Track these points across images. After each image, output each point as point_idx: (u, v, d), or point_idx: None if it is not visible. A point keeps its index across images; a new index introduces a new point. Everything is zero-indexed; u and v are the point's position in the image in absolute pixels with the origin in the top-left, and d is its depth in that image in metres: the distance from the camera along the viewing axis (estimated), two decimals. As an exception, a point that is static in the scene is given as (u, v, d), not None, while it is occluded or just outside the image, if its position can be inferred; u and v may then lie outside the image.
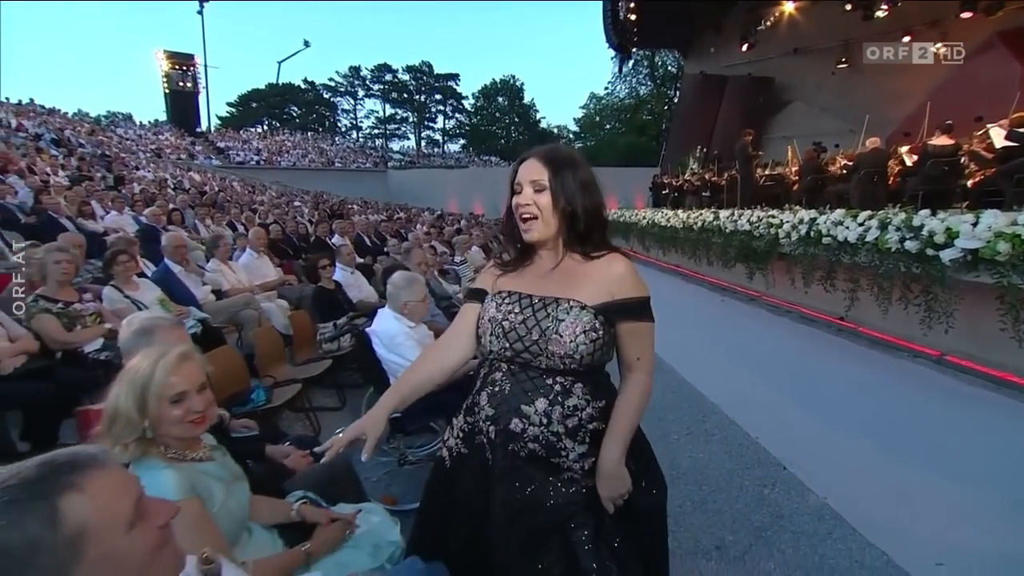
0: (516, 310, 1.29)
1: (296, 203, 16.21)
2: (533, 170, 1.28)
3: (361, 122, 53.96)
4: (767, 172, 10.73)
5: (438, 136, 55.60)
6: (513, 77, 55.39)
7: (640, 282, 1.29)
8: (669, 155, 19.38)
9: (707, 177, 12.91)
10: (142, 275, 4.12)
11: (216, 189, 15.63)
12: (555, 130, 56.47)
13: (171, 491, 1.24)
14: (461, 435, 1.38)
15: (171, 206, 8.51)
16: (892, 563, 2.18)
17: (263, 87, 49.03)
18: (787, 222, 6.76)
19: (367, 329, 2.89)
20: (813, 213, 6.42)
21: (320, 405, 4.02)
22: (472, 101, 55.34)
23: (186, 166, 22.08)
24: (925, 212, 4.86)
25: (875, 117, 9.90)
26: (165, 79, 31.51)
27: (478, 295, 1.40)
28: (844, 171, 8.43)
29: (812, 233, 6.14)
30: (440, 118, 55.64)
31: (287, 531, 1.58)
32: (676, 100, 20.14)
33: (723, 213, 8.99)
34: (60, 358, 2.99)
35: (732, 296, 8.27)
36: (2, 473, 0.66)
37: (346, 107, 53.59)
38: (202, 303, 4.28)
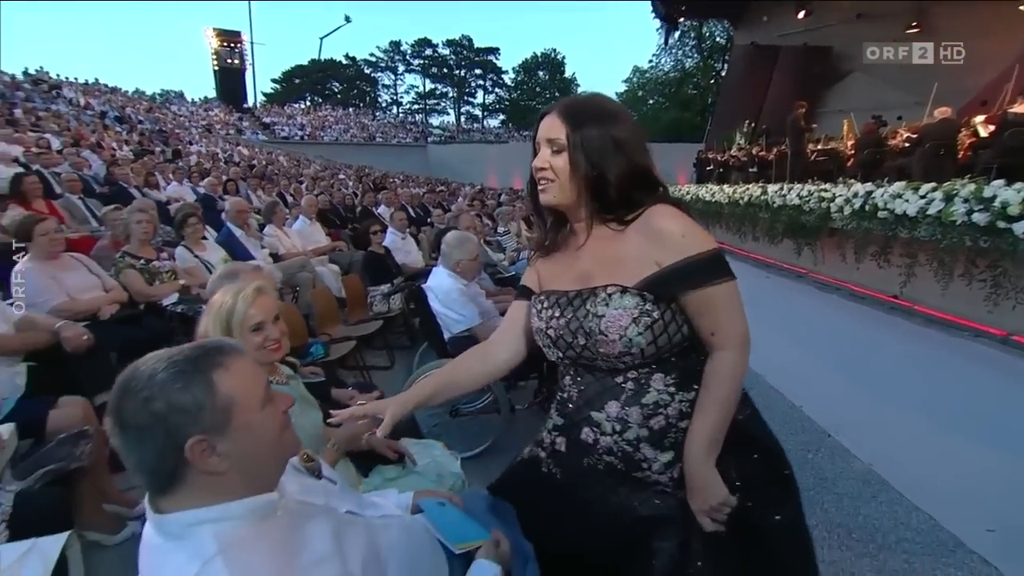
0: (556, 314, 1.09)
1: (340, 176, 16.59)
2: (551, 127, 1.05)
3: (401, 97, 54.25)
4: (819, 147, 10.27)
5: (478, 111, 55.32)
6: (554, 51, 54.28)
7: (697, 235, 1.01)
8: (715, 130, 18.74)
9: (755, 152, 12.45)
10: (205, 239, 4.39)
11: (264, 163, 16.15)
12: (596, 105, 55.23)
13: None
14: (548, 441, 1.25)
15: (225, 177, 8.90)
16: (939, 526, 2.18)
17: (306, 63, 49.75)
18: (840, 196, 6.51)
19: (423, 285, 3.02)
20: (869, 186, 6.16)
21: (372, 364, 4.23)
22: (512, 76, 54.69)
23: (235, 141, 22.87)
24: (999, 182, 4.59)
25: (947, 86, 9.26)
26: (214, 56, 32.38)
27: (525, 292, 1.24)
28: (907, 144, 7.99)
29: (867, 207, 5.90)
30: (480, 93, 55.32)
31: (356, 459, 1.74)
32: (724, 73, 19.33)
33: (771, 187, 8.70)
34: (143, 309, 3.26)
35: (778, 273, 8.07)
36: (171, 352, 0.79)
37: (387, 82, 53.91)
38: (262, 265, 4.52)
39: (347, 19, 42.78)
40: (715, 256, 1.00)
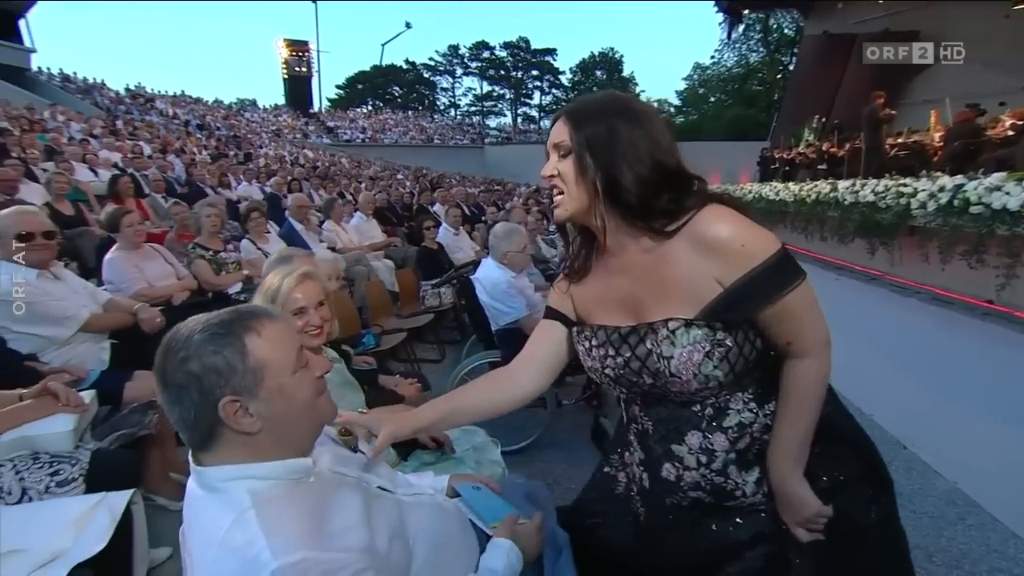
0: (611, 353, 0.98)
1: (398, 176, 17.09)
2: (557, 131, 0.95)
3: (459, 100, 55.24)
4: (899, 140, 9.49)
5: (534, 112, 55.39)
6: (612, 50, 53.63)
7: (757, 237, 0.87)
8: (781, 126, 17.78)
9: (825, 148, 11.69)
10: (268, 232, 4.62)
11: (327, 164, 16.89)
12: (655, 104, 54.05)
13: None
14: (622, 467, 1.19)
15: (290, 178, 9.36)
16: (1041, 556, 1.93)
17: (368, 69, 51.75)
18: (923, 190, 5.98)
19: (471, 276, 3.03)
20: (959, 179, 5.61)
21: (422, 357, 4.31)
22: (569, 76, 54.39)
23: (301, 144, 24.10)
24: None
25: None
26: (284, 65, 34.28)
27: (554, 315, 1.13)
28: (1011, 133, 7.21)
29: (956, 202, 5.38)
30: (537, 94, 55.41)
31: (396, 443, 1.74)
32: (792, 66, 18.31)
33: (842, 184, 8.14)
34: (211, 297, 3.47)
35: (848, 275, 7.53)
36: (210, 316, 0.82)
37: (445, 85, 55.07)
38: (319, 259, 4.71)
39: (408, 25, 44.02)
40: (782, 258, 0.86)
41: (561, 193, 0.95)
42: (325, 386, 0.93)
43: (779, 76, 37.20)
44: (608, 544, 1.16)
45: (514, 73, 54.79)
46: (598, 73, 53.57)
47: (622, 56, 53.69)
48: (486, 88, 55.03)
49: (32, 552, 1.03)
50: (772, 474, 0.94)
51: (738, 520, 0.98)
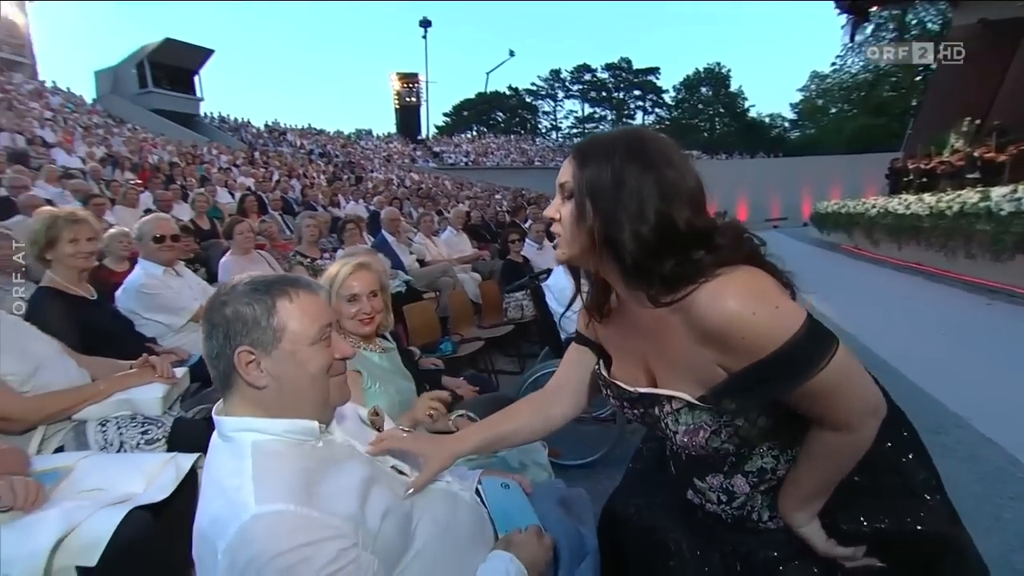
0: (627, 405, 0.97)
1: (497, 196, 17.70)
2: (564, 169, 0.87)
3: (560, 122, 56.15)
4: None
5: (640, 134, 54.97)
6: (718, 65, 51.64)
7: (763, 326, 0.75)
8: (918, 133, 15.83)
9: (978, 154, 10.16)
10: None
11: (430, 186, 17.95)
12: (766, 119, 50.75)
13: None
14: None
15: (393, 197, 10.08)
16: None
17: (473, 96, 54.50)
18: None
19: (543, 283, 3.03)
20: None
21: (501, 368, 4.35)
22: (673, 94, 53.15)
23: (408, 168, 25.85)
24: None
25: None
26: (396, 96, 37.23)
27: (582, 340, 1.09)
28: None
29: None
30: (639, 114, 54.74)
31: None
32: (936, 65, 16.20)
33: (996, 192, 6.99)
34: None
35: (1005, 299, 6.40)
36: (260, 275, 0.92)
37: (546, 109, 56.34)
38: (408, 269, 4.98)
39: (511, 53, 45.64)
40: (798, 343, 0.74)
41: (559, 235, 0.89)
42: (342, 370, 0.96)
43: (918, 79, 33.25)
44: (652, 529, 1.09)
45: (616, 94, 54.65)
46: (703, 90, 51.75)
47: (729, 71, 51.43)
48: (587, 110, 55.48)
49: (109, 492, 1.18)
50: (779, 507, 0.91)
51: (774, 537, 0.94)
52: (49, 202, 5.34)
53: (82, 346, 1.87)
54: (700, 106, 52.05)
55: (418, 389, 1.90)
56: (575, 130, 55.03)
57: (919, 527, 0.86)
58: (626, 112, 54.62)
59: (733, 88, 51.19)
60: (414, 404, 1.72)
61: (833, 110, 42.14)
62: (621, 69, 53.89)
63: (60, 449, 1.48)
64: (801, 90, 45.34)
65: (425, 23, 39.61)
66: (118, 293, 2.54)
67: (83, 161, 10.30)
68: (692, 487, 0.99)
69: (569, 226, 0.86)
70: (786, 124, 48.41)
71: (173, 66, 24.25)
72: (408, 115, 37.49)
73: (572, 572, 1.04)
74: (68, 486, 1.20)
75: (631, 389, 0.94)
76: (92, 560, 1.01)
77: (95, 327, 2.01)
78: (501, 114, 54.94)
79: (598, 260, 0.84)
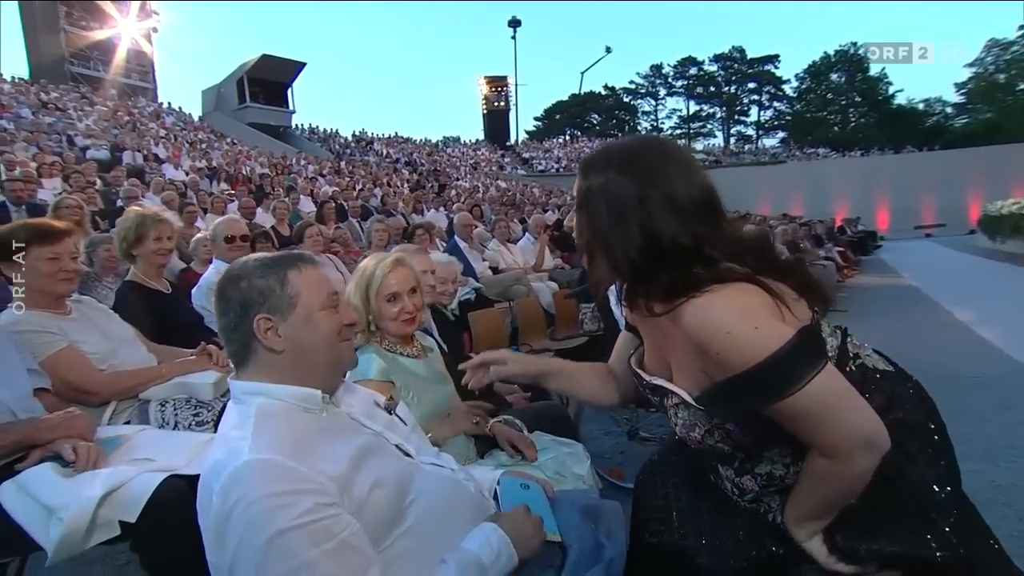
0: (648, 392, 1.08)
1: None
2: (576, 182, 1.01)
3: (662, 123, 54.93)
4: None
5: (751, 131, 52.17)
6: (852, 45, 46.83)
7: (740, 342, 0.83)
8: None
9: None
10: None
11: (516, 194, 18.38)
12: (919, 105, 45.40)
13: (370, 371, 1.64)
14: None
15: (474, 204, 10.48)
16: None
17: (566, 98, 55.10)
18: None
19: (609, 290, 3.02)
20: None
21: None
22: (795, 84, 49.89)
23: (495, 175, 26.62)
24: None
25: None
26: (484, 101, 38.67)
27: (631, 328, 1.19)
28: None
29: None
30: (754, 109, 52.22)
31: (481, 442, 1.84)
32: None
33: None
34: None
35: None
36: (267, 253, 1.08)
37: (646, 109, 55.48)
38: (480, 276, 5.17)
39: (608, 50, 45.52)
40: (779, 360, 0.81)
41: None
42: (350, 336, 1.11)
43: None
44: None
45: (726, 88, 52.57)
46: (834, 77, 47.87)
47: (867, 51, 47.01)
48: (693, 108, 53.88)
49: (157, 462, 1.38)
50: (784, 517, 0.96)
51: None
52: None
53: (155, 335, 2.19)
54: (829, 95, 48.18)
55: (459, 390, 1.98)
56: (679, 130, 53.52)
57: (938, 554, 0.87)
58: (738, 108, 52.30)
59: (873, 72, 46.48)
60: (454, 410, 1.79)
61: (1022, 87, 35.81)
62: (733, 60, 51.80)
63: (127, 423, 1.74)
64: (972, 65, 38.29)
65: (514, 23, 40.95)
66: (193, 290, 2.92)
67: (186, 174, 11.83)
68: (713, 471, 1.07)
69: (580, 238, 0.99)
70: (948, 110, 42.93)
71: (268, 81, 27.25)
72: (496, 120, 38.72)
73: (578, 571, 1.06)
74: (124, 453, 1.42)
75: (647, 379, 1.04)
76: (133, 516, 1.20)
77: (168, 318, 2.34)
78: (596, 116, 54.98)
79: (603, 268, 0.97)
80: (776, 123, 50.97)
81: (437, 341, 2.29)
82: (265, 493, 0.82)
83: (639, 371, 1.07)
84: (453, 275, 2.69)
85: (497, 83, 38.70)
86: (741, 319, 0.83)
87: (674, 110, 54.83)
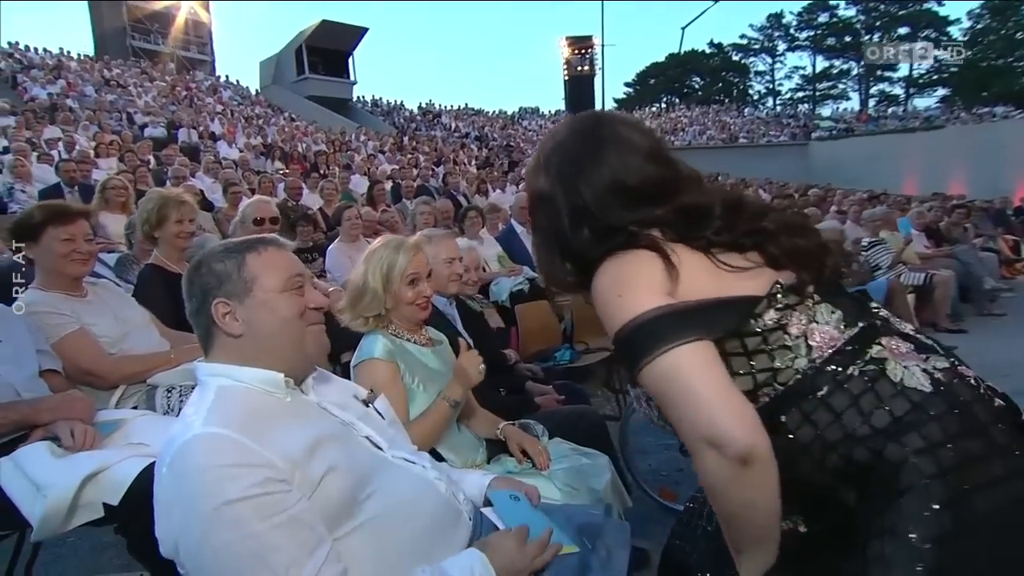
0: None
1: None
2: None
3: (780, 84, 52.13)
4: None
5: (898, 89, 47.99)
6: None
7: (616, 303, 0.93)
8: None
9: None
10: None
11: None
12: None
13: (376, 352, 1.76)
14: None
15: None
16: None
17: (663, 59, 53.57)
18: None
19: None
20: None
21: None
22: (967, 25, 44.76)
23: (575, 151, 26.60)
24: None
25: None
26: (565, 66, 38.35)
27: None
28: None
29: None
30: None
31: (492, 445, 1.92)
32: None
33: None
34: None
35: None
36: (231, 239, 1.20)
37: (761, 68, 52.80)
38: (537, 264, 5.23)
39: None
40: (630, 331, 0.90)
41: None
42: (316, 319, 1.21)
43: None
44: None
45: (867, 37, 48.79)
46: (1025, 11, 42.55)
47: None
48: (821, 64, 50.46)
49: (150, 447, 1.56)
50: None
51: None
52: (200, 192, 6.79)
53: (174, 319, 2.41)
54: (1019, 35, 42.64)
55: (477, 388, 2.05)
56: (801, 93, 50.46)
57: None
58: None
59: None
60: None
61: None
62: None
63: (135, 407, 1.96)
64: None
65: (602, -27, 40.23)
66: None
67: (240, 152, 12.73)
68: None
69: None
70: None
71: (328, 49, 28.63)
72: (580, 87, 38.32)
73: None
74: (120, 437, 1.62)
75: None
76: (115, 499, 1.36)
77: (187, 303, 2.58)
78: (699, 79, 53.10)
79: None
80: (936, 78, 46.48)
81: (461, 334, 2.38)
82: (212, 464, 0.93)
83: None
84: (475, 263, 2.76)
85: (580, 44, 38.19)
86: (611, 286, 0.94)
87: (796, 68, 51.67)
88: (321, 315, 1.23)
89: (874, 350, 0.94)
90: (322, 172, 10.93)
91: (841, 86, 49.86)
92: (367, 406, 1.32)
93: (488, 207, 6.18)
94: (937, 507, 0.80)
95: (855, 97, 48.65)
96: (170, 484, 0.97)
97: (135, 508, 1.35)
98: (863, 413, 0.86)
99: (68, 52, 21.67)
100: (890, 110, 43.07)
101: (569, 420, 2.18)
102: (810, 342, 0.93)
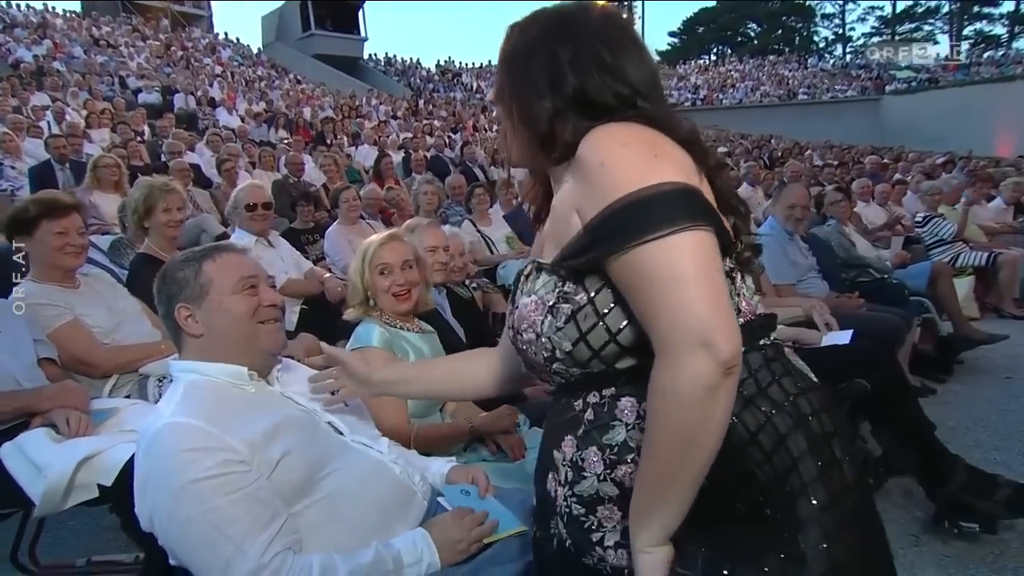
0: (510, 307, 1.12)
1: (721, 149, 17.18)
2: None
3: (851, 30, 50.38)
4: None
5: (1000, 28, 44.50)
6: None
7: (630, 161, 0.87)
8: None
9: None
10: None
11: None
12: None
13: (372, 340, 2.02)
14: None
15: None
16: None
17: (713, 4, 52.37)
18: None
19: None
20: None
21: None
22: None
23: (607, 112, 26.43)
24: None
25: None
26: (600, 15, 37.84)
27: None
28: None
29: None
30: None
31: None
32: None
33: None
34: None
35: None
36: (194, 248, 1.46)
37: (829, 10, 51.01)
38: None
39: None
40: (656, 195, 0.82)
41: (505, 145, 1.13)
42: (270, 316, 1.47)
43: None
44: None
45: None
46: None
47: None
48: (901, 4, 48.39)
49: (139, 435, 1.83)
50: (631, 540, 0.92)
51: None
52: (195, 167, 7.14)
53: (166, 309, 2.72)
54: None
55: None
56: (876, 38, 48.43)
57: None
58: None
59: None
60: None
61: None
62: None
63: (128, 396, 2.27)
64: None
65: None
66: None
67: (241, 119, 13.10)
68: (553, 467, 1.04)
69: (507, 131, 1.09)
70: None
71: (337, 1, 28.64)
72: (617, 39, 37.88)
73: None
74: (113, 425, 1.92)
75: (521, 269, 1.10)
76: (108, 480, 1.66)
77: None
78: (755, 26, 51.84)
79: (529, 154, 1.06)
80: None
81: (447, 322, 2.64)
82: (178, 449, 1.19)
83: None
84: (460, 249, 3.00)
85: (618, -11, 37.72)
86: (643, 142, 0.88)
87: (871, 8, 49.66)
88: (277, 311, 1.50)
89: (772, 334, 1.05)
90: (329, 142, 11.20)
91: (927, 27, 47.19)
92: (333, 394, 1.57)
93: (501, 182, 6.38)
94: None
95: (944, 41, 46.06)
96: (144, 466, 1.24)
97: (126, 489, 1.64)
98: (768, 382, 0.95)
99: (53, 8, 22.19)
100: (986, 55, 40.86)
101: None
102: (740, 305, 0.99)
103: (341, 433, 1.47)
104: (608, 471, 0.96)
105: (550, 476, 1.05)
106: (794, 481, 0.90)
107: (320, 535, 1.30)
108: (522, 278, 1.04)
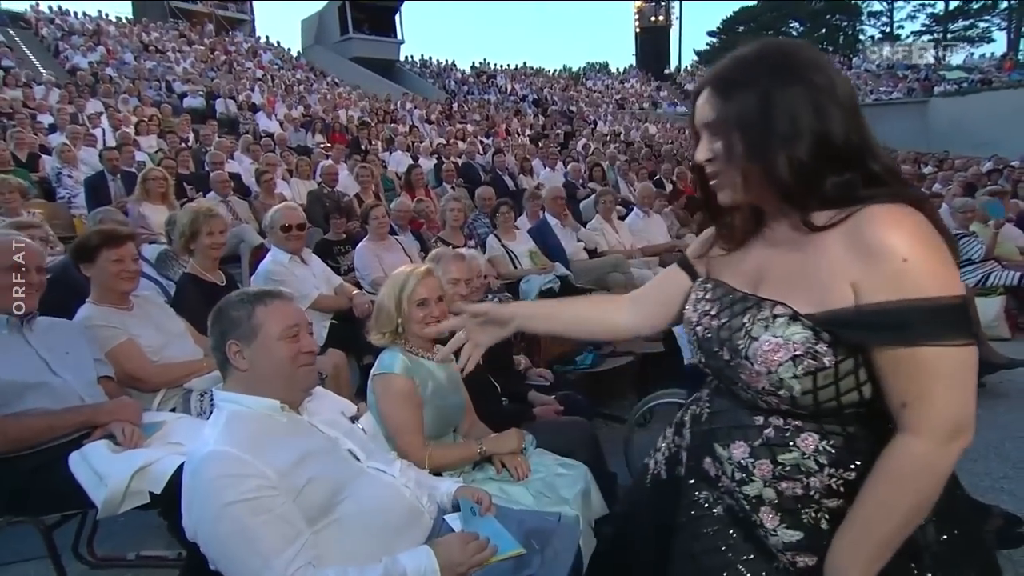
0: (713, 311, 1.20)
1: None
2: (703, 106, 1.12)
3: (899, 27, 48.91)
4: None
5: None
6: None
7: (931, 263, 0.94)
8: None
9: None
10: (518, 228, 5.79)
11: (668, 141, 18.20)
12: None
13: (396, 367, 2.23)
14: (667, 452, 1.44)
15: (595, 163, 10.72)
16: None
17: (754, 3, 51.51)
18: None
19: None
20: None
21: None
22: None
23: (644, 116, 26.28)
24: None
25: None
26: (637, 16, 37.84)
27: (686, 264, 1.40)
28: None
29: None
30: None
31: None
32: None
33: None
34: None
35: None
36: (251, 288, 1.71)
37: (876, 8, 49.68)
38: (571, 260, 5.60)
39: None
40: (953, 307, 0.94)
41: (719, 175, 1.14)
42: (308, 361, 1.71)
43: None
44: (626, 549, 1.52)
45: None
46: None
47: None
48: (954, 2, 46.84)
49: (184, 447, 2.10)
50: (827, 562, 1.06)
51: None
52: (235, 177, 7.51)
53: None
54: None
55: (479, 403, 2.54)
56: (927, 36, 46.91)
57: None
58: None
59: None
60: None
61: None
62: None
63: (173, 409, 2.54)
64: None
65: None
66: (252, 277, 3.77)
67: (281, 125, 13.55)
68: (711, 453, 1.22)
69: (726, 166, 1.10)
70: None
71: (374, 5, 29.28)
72: (653, 41, 37.75)
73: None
74: (161, 437, 2.19)
75: (736, 289, 1.19)
76: (158, 488, 1.91)
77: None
78: (798, 24, 50.79)
79: (755, 193, 1.11)
80: None
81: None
82: (218, 475, 1.43)
83: (724, 281, 1.23)
84: (477, 271, 3.20)
85: (655, -10, 37.56)
86: (938, 244, 0.97)
87: (921, 6, 48.21)
88: (312, 357, 1.73)
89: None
90: (363, 148, 11.57)
91: (983, 24, 44.81)
92: (353, 422, 1.81)
93: (528, 194, 6.56)
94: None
95: (1001, 39, 44.26)
96: (190, 487, 1.48)
97: (173, 496, 1.89)
98: None
99: (107, 15, 23.30)
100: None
101: (560, 431, 2.63)
102: None
103: (358, 459, 1.70)
104: (775, 481, 1.11)
105: (707, 460, 1.24)
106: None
107: (336, 551, 1.51)
108: (762, 312, 1.10)
